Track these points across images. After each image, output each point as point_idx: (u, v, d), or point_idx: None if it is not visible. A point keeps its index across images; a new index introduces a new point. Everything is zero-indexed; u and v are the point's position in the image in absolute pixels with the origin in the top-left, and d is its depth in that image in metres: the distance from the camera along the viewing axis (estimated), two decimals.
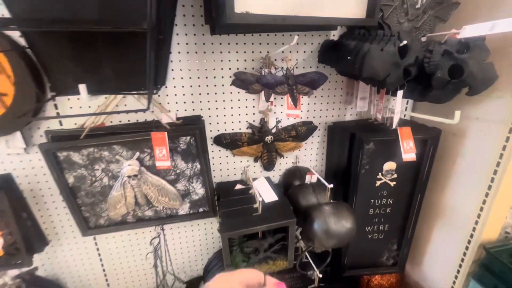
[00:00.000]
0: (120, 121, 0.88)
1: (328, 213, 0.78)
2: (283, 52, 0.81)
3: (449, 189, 0.94)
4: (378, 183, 0.93)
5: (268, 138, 0.95)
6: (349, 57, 0.75)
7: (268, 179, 1.00)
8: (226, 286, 0.31)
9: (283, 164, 1.09)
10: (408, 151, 0.81)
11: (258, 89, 0.82)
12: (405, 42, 0.67)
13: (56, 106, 0.81)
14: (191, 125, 0.77)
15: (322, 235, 0.77)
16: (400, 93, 0.74)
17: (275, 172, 1.10)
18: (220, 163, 1.02)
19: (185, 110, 0.91)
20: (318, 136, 1.07)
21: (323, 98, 1.00)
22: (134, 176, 0.76)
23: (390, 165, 0.90)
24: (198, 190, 0.84)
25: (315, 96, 0.99)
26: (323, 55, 0.90)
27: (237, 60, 0.89)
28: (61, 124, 0.83)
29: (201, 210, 0.88)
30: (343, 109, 1.04)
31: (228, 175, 1.05)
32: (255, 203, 0.82)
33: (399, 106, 0.75)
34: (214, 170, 1.03)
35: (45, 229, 0.93)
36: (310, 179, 0.94)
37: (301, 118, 1.01)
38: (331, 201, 0.84)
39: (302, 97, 0.94)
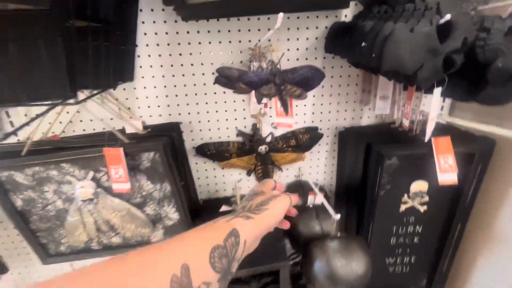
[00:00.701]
0: (84, 130, 0.74)
1: (333, 252, 0.60)
2: (269, 40, 0.62)
3: (503, 218, 0.70)
4: (403, 207, 0.72)
5: (262, 148, 0.77)
6: (363, 43, 0.54)
7: None
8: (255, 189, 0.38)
9: (283, 177, 0.90)
10: (447, 171, 0.60)
11: (246, 89, 0.64)
12: (447, 17, 0.45)
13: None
14: (157, 138, 0.61)
15: (324, 281, 0.59)
16: (438, 91, 0.52)
17: None
18: (207, 177, 0.86)
19: (160, 115, 0.75)
20: (327, 144, 0.87)
21: (333, 97, 0.80)
22: (90, 200, 0.62)
23: (419, 186, 0.69)
24: (172, 214, 0.69)
25: (322, 95, 0.79)
26: (332, 42, 0.69)
27: (221, 52, 0.71)
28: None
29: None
30: (359, 111, 0.83)
31: (217, 190, 0.89)
32: None
33: (435, 111, 0.53)
34: (200, 185, 0.87)
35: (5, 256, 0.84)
36: (314, 200, 0.75)
37: (304, 122, 0.82)
38: (339, 234, 0.65)
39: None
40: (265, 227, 0.33)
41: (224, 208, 0.77)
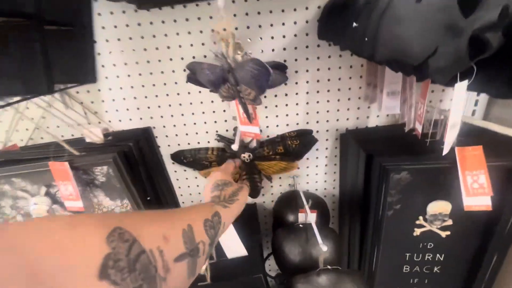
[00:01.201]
0: (62, 136, 0.69)
1: None
2: (248, 28, 0.49)
3: None
4: (417, 231, 0.57)
5: (245, 155, 0.66)
6: (354, 24, 0.40)
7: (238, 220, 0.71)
8: (216, 177, 0.44)
9: (275, 186, 0.79)
10: (476, 193, 0.44)
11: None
12: None
13: None
14: (112, 148, 0.53)
15: None
16: (461, 87, 0.37)
17: (266, 196, 0.80)
18: (189, 186, 0.77)
19: (130, 119, 0.67)
20: (327, 149, 0.73)
21: (332, 93, 0.66)
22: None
23: (440, 207, 0.53)
24: None
25: (318, 91, 0.65)
26: (325, 24, 0.55)
27: (191, 45, 0.60)
28: None
29: None
30: (365, 109, 0.68)
31: (200, 200, 0.80)
32: (212, 258, 0.56)
33: (457, 113, 0.38)
34: (182, 195, 0.79)
35: None
36: (305, 218, 0.63)
37: (297, 124, 0.69)
38: (329, 267, 0.52)
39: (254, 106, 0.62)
40: (236, 213, 0.41)
41: None
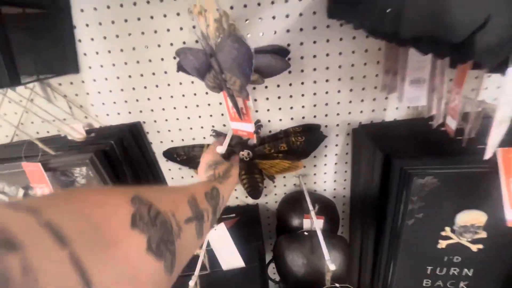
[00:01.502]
0: (37, 133, 0.64)
1: None
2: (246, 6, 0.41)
3: None
4: (443, 243, 0.49)
5: (244, 153, 0.59)
6: None
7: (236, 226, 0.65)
8: (207, 158, 0.47)
9: (279, 186, 0.71)
10: None
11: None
12: None
13: None
14: (91, 147, 0.47)
15: None
16: None
17: (269, 197, 0.73)
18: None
19: (118, 114, 0.61)
20: (337, 146, 0.65)
21: (344, 82, 0.57)
22: None
23: (472, 217, 0.45)
24: None
25: (327, 80, 0.57)
26: (337, 0, 0.46)
27: (181, 29, 0.53)
28: None
29: None
30: (382, 100, 0.59)
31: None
32: (205, 269, 0.50)
33: (508, 106, 0.29)
34: None
35: None
36: (311, 225, 0.56)
37: (303, 118, 0.61)
38: (337, 286, 0.45)
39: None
40: (232, 188, 0.43)
41: None
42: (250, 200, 0.73)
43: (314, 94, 0.58)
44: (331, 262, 0.41)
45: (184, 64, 0.36)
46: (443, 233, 0.48)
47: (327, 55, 0.54)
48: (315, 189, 0.71)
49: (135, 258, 0.17)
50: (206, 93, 0.59)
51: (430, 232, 0.49)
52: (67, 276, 0.12)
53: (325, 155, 0.66)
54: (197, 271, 0.44)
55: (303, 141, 0.56)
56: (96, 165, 0.45)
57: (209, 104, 0.60)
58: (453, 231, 0.47)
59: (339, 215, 0.66)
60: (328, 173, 0.69)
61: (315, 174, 0.69)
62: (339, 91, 0.58)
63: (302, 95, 0.58)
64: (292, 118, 0.61)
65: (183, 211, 0.25)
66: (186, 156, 0.61)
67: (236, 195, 0.73)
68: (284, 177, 0.69)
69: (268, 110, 0.60)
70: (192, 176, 0.69)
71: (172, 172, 0.69)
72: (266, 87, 0.58)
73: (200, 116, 0.61)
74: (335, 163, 0.67)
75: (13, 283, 0.09)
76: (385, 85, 0.53)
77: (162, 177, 0.68)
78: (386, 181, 0.47)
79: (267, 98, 0.59)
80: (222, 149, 0.50)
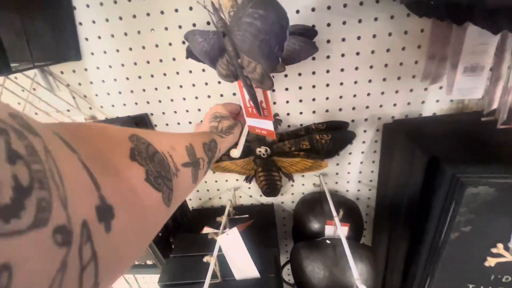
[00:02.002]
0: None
1: None
2: None
3: None
4: (491, 261, 0.42)
5: (261, 150, 0.53)
6: None
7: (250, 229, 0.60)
8: (216, 109, 0.45)
9: (296, 185, 0.65)
10: None
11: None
12: None
13: None
14: None
15: None
16: None
17: (286, 196, 0.68)
18: None
19: (124, 105, 0.57)
20: (364, 143, 0.58)
21: (376, 70, 0.49)
22: None
23: None
24: None
25: (356, 68, 0.49)
26: None
27: (190, 9, 0.46)
28: None
29: (148, 262, 0.57)
30: (420, 92, 0.51)
31: (210, 198, 0.69)
32: (216, 277, 0.46)
33: None
34: None
35: None
36: (334, 232, 0.50)
37: (327, 111, 0.54)
38: None
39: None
40: (229, 144, 0.43)
41: (207, 229, 0.57)
42: (265, 200, 0.68)
43: (341, 84, 0.51)
44: (361, 282, 0.35)
45: (193, 48, 0.30)
46: (494, 250, 0.41)
47: (358, 38, 0.47)
48: (337, 189, 0.65)
49: (136, 185, 0.17)
50: (219, 82, 0.53)
51: (478, 248, 0.41)
52: (79, 171, 0.12)
53: (350, 153, 0.59)
54: (207, 281, 0.40)
55: (329, 139, 0.50)
56: None
57: (221, 95, 0.54)
58: (507, 248, 0.40)
59: (363, 220, 0.60)
60: (352, 173, 0.62)
61: (337, 174, 0.62)
62: (370, 81, 0.50)
63: (327, 85, 0.51)
64: (314, 112, 0.54)
65: (181, 155, 0.25)
66: None
67: (250, 193, 0.68)
68: (303, 175, 0.63)
69: (287, 102, 0.54)
70: (205, 181, 0.65)
71: None
72: (285, 75, 0.51)
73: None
74: (361, 162, 0.60)
75: (38, 156, 0.10)
76: (428, 73, 0.45)
77: None
78: (428, 188, 0.40)
79: (287, 89, 0.52)
80: (237, 152, 0.44)
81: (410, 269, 0.49)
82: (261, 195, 0.67)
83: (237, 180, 0.65)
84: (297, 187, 0.65)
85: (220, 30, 0.22)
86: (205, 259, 0.44)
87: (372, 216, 0.67)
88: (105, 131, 0.18)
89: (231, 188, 0.66)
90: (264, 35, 0.17)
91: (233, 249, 0.46)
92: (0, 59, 0.34)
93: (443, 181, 0.35)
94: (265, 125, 0.30)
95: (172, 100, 0.55)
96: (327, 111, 0.54)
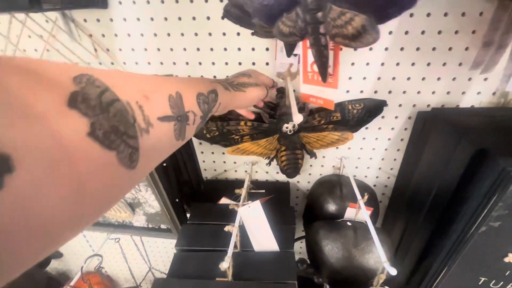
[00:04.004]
0: None
1: None
2: None
3: None
4: (511, 257, 0.42)
5: (289, 126, 0.51)
6: None
7: (270, 201, 0.59)
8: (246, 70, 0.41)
9: (315, 168, 0.65)
10: None
11: (269, 30, 0.36)
12: None
13: None
14: None
15: None
16: None
17: (302, 176, 0.67)
18: (213, 152, 0.65)
19: (149, 63, 0.54)
20: (392, 129, 0.56)
21: (422, 53, 0.46)
22: None
23: None
24: (152, 202, 0.52)
25: (402, 49, 0.46)
26: None
27: None
28: None
29: (163, 226, 0.57)
30: (463, 81, 0.48)
31: (225, 170, 0.69)
32: (235, 247, 0.46)
33: None
34: (204, 161, 0.67)
35: None
36: (355, 214, 0.50)
37: (361, 92, 0.52)
38: None
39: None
40: (236, 104, 0.36)
41: (224, 200, 0.57)
42: (280, 177, 0.67)
43: (382, 64, 0.48)
44: (389, 265, 0.35)
45: (248, 3, 0.27)
46: None
47: (411, 15, 0.43)
48: (355, 174, 0.64)
49: (69, 140, 0.13)
50: (253, 49, 0.49)
51: (502, 244, 0.41)
52: None
53: (376, 138, 0.58)
54: (230, 252, 0.39)
55: (362, 108, 0.48)
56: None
57: (253, 63, 0.51)
58: None
59: (379, 207, 0.60)
60: (374, 159, 0.61)
61: (359, 158, 0.61)
62: (413, 64, 0.48)
63: (367, 63, 0.49)
64: (348, 91, 0.52)
65: (158, 107, 0.20)
66: (218, 132, 0.54)
67: (267, 169, 0.67)
68: (324, 156, 0.62)
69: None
70: (223, 153, 0.63)
71: (203, 146, 0.63)
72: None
73: None
74: (385, 149, 0.59)
75: None
76: (480, 61, 0.42)
77: (190, 140, 0.62)
78: (468, 179, 0.39)
79: None
80: (298, 117, 0.36)
81: (427, 259, 0.49)
82: (277, 172, 0.66)
83: None
84: (316, 167, 0.64)
85: None
86: (227, 228, 0.44)
87: (386, 204, 0.67)
88: (41, 66, 0.14)
89: (249, 162, 0.65)
90: None
91: (254, 221, 0.46)
92: None
93: (491, 173, 0.34)
94: (326, 94, 0.27)
95: (200, 63, 0.52)
96: (361, 91, 0.51)
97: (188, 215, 0.58)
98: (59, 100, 0.13)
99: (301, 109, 0.49)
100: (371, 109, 0.50)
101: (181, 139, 0.23)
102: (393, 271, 0.34)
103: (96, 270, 0.74)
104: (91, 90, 0.15)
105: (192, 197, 0.62)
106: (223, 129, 0.52)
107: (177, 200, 0.52)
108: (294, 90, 0.45)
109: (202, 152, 0.66)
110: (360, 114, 0.50)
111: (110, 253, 1.04)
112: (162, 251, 0.97)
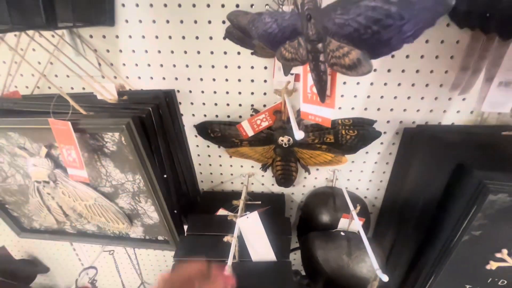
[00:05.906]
0: (61, 87, 0.59)
1: None
2: None
3: None
4: (493, 265, 0.45)
5: (284, 139, 0.54)
6: None
7: (268, 211, 0.61)
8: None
9: (309, 179, 0.67)
10: None
11: (267, 49, 0.40)
12: None
13: None
14: (127, 111, 0.42)
15: None
16: None
17: (297, 188, 0.69)
18: (210, 164, 0.67)
19: (151, 78, 0.56)
20: (382, 144, 0.60)
21: (407, 74, 0.51)
22: (45, 182, 0.48)
23: None
24: (151, 213, 0.52)
25: (389, 70, 0.51)
26: None
27: None
28: None
29: (160, 238, 0.58)
30: (444, 100, 0.53)
31: (222, 181, 0.70)
32: (233, 257, 0.47)
33: None
34: (201, 173, 0.69)
35: None
36: (348, 225, 0.52)
37: (352, 109, 0.55)
38: None
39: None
40: None
41: (222, 211, 0.58)
42: (276, 189, 0.69)
43: (371, 84, 0.52)
44: (381, 272, 0.37)
45: (254, 28, 0.30)
46: (498, 255, 0.44)
47: None
48: (347, 186, 0.67)
49: None
50: (252, 67, 0.53)
51: (483, 252, 0.45)
52: None
53: (367, 152, 0.61)
54: (230, 259, 0.41)
55: (355, 135, 0.51)
56: (132, 132, 0.40)
57: (252, 80, 0.54)
58: (510, 254, 0.43)
59: (370, 218, 0.63)
60: (365, 172, 0.64)
61: (350, 171, 0.64)
62: (399, 84, 0.52)
63: (358, 83, 0.53)
64: (340, 108, 0.55)
65: None
66: (221, 134, 0.57)
67: (263, 181, 0.69)
68: (317, 169, 0.65)
69: None
70: (219, 156, 0.65)
71: (200, 149, 0.65)
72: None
73: (240, 93, 0.56)
74: (375, 162, 0.62)
75: None
76: (458, 83, 0.47)
77: (189, 152, 0.64)
78: (450, 191, 0.42)
79: None
80: (300, 134, 0.35)
81: (416, 267, 0.52)
82: (273, 184, 0.68)
83: (252, 166, 0.66)
84: (310, 180, 0.67)
85: (306, 13, 0.22)
86: (226, 238, 0.45)
87: (376, 215, 0.70)
88: None
89: (245, 174, 0.67)
90: (393, 20, 0.18)
91: (252, 231, 0.47)
92: (49, 13, 0.33)
93: (470, 186, 0.37)
94: (323, 113, 0.30)
95: (201, 79, 0.55)
96: (352, 108, 0.55)
97: (185, 227, 0.58)
98: None
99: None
100: (365, 138, 0.53)
101: None
102: (385, 278, 0.37)
103: (89, 283, 0.72)
104: None
105: (189, 208, 0.63)
106: (225, 132, 0.55)
107: (175, 211, 0.53)
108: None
109: (200, 164, 0.67)
110: (353, 141, 0.53)
111: (101, 267, 1.01)
112: (155, 264, 0.96)
